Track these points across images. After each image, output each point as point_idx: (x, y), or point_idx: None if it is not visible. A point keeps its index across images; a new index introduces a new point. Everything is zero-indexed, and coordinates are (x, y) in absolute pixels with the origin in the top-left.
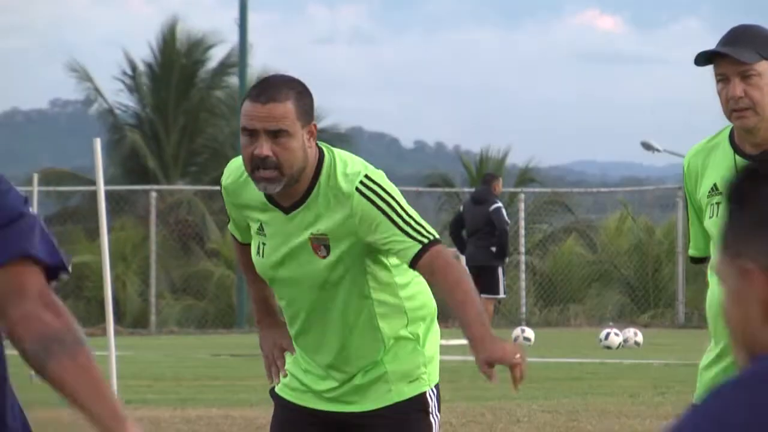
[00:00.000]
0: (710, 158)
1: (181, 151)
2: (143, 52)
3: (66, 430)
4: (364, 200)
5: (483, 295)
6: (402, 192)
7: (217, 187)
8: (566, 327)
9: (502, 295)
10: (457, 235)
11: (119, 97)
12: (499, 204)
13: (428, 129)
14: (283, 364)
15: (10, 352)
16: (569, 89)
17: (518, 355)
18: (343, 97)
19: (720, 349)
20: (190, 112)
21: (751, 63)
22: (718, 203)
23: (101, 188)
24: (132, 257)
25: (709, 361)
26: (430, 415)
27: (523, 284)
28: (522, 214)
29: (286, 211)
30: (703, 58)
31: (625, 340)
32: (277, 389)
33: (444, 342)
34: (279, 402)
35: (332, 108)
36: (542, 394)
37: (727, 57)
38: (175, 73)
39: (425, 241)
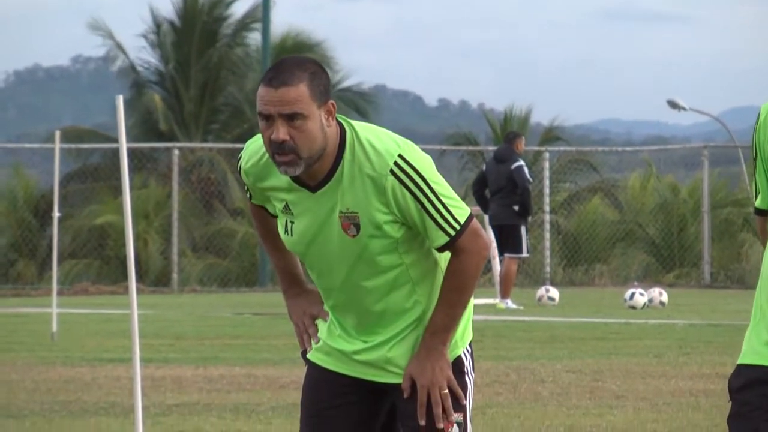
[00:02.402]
0: None
1: (202, 109)
2: (166, 8)
3: (86, 388)
4: (398, 183)
5: (507, 254)
6: (425, 151)
7: (240, 145)
8: (591, 287)
9: (525, 254)
10: (480, 194)
11: (141, 54)
12: (521, 162)
13: (452, 87)
14: (315, 331)
15: (32, 310)
16: (595, 47)
17: (444, 391)
18: (367, 55)
19: None
20: (211, 69)
21: None
22: None
23: (123, 146)
24: (154, 215)
25: (755, 322)
26: (465, 375)
27: (547, 243)
28: (546, 173)
29: (313, 189)
30: None
31: (650, 300)
32: (309, 355)
33: None
34: (311, 367)
35: (356, 66)
36: (566, 354)
37: None
38: (197, 29)
39: (452, 233)
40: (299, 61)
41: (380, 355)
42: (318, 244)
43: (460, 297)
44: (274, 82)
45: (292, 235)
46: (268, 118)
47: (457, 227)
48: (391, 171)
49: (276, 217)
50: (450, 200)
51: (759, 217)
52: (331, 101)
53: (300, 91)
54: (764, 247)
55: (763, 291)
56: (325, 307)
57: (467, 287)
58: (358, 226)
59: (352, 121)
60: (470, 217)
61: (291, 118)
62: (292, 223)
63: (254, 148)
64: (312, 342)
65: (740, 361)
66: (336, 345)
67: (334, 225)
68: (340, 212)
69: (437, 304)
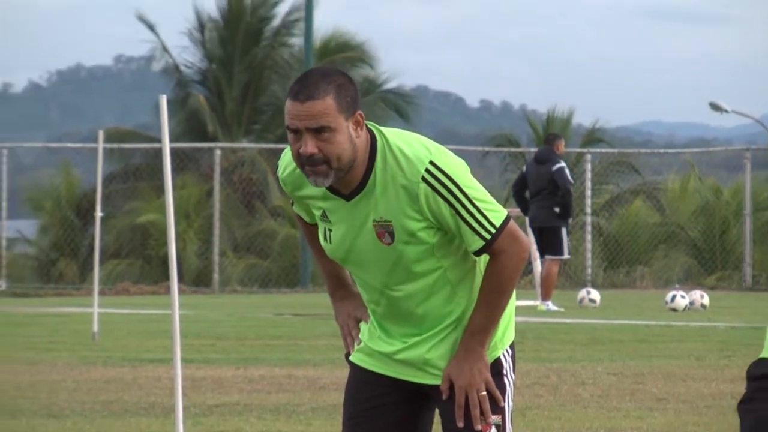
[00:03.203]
0: None
1: (244, 109)
2: (211, 7)
3: (127, 388)
4: (431, 190)
5: (548, 256)
6: (467, 153)
7: (282, 145)
8: (632, 289)
9: (566, 256)
10: (520, 196)
11: (184, 54)
12: (563, 164)
13: (494, 88)
14: (358, 333)
15: (73, 309)
16: (637, 48)
17: (482, 393)
18: (410, 55)
19: None
20: (254, 69)
21: None
22: None
23: (167, 146)
24: (195, 216)
25: None
26: (505, 377)
27: (589, 245)
28: (588, 175)
29: (347, 198)
30: None
31: (692, 303)
32: (351, 357)
33: None
34: (354, 368)
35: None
36: (607, 356)
37: None
38: (241, 29)
39: (488, 237)
40: (325, 72)
41: (419, 356)
42: (356, 252)
43: (499, 299)
44: (300, 96)
45: (330, 242)
46: (296, 131)
47: (493, 231)
48: (423, 178)
49: (314, 225)
50: (484, 204)
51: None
52: (359, 112)
53: (327, 104)
54: None
55: None
56: (368, 310)
57: (506, 289)
58: (392, 234)
59: (383, 128)
60: (507, 220)
61: (319, 131)
62: (330, 230)
63: (289, 159)
64: (355, 344)
65: (763, 354)
66: (376, 347)
67: (369, 233)
68: (374, 221)
69: (476, 306)
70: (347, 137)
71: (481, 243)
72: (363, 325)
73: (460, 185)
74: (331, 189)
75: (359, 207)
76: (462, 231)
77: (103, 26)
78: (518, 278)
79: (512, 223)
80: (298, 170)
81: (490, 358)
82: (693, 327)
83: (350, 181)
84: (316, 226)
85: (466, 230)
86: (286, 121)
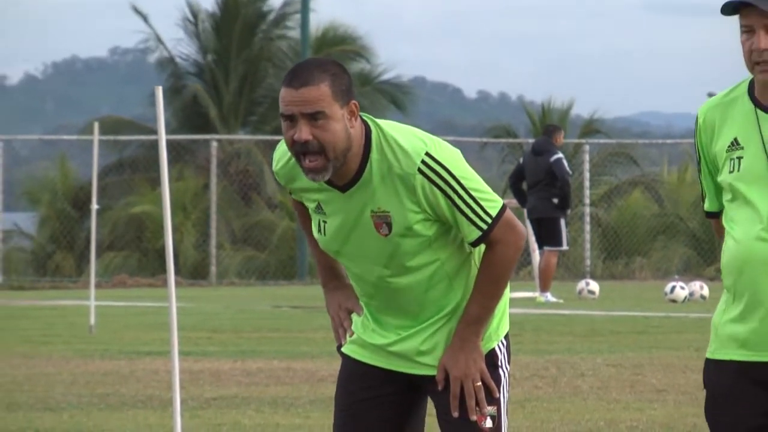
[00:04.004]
0: (729, 112)
1: (241, 101)
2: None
3: (124, 381)
4: (427, 182)
5: (546, 248)
6: (465, 144)
7: (279, 137)
8: (631, 280)
9: (565, 247)
10: (517, 187)
11: (179, 46)
12: (561, 155)
13: (492, 79)
14: (350, 324)
15: (70, 302)
16: (634, 39)
17: (477, 384)
18: (407, 46)
19: (741, 305)
20: (251, 61)
21: None
22: (739, 158)
23: (163, 137)
24: (192, 208)
25: (728, 318)
26: (499, 369)
27: (587, 236)
28: (586, 166)
29: (342, 189)
30: (729, 8)
31: (691, 294)
32: (343, 348)
33: None
34: (346, 360)
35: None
36: (607, 347)
37: (754, 8)
38: (238, 21)
39: (484, 227)
40: (320, 62)
41: (414, 347)
42: (352, 244)
43: (496, 289)
44: (294, 83)
45: (325, 234)
46: (291, 118)
47: (489, 221)
48: (420, 170)
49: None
50: (481, 194)
51: (712, 220)
52: (354, 101)
53: (321, 91)
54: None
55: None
56: (360, 302)
57: (502, 279)
58: (390, 225)
59: (378, 120)
60: (503, 209)
61: (314, 117)
62: (325, 222)
63: (283, 150)
64: (347, 336)
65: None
66: (370, 339)
67: (367, 224)
68: (372, 212)
69: (472, 296)
70: (342, 126)
71: (477, 233)
72: (356, 317)
73: (456, 176)
74: (326, 181)
75: (355, 198)
76: (459, 222)
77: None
78: (514, 268)
79: (508, 213)
80: (292, 162)
81: (484, 350)
82: (692, 318)
83: (345, 173)
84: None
85: (463, 221)
86: (281, 109)
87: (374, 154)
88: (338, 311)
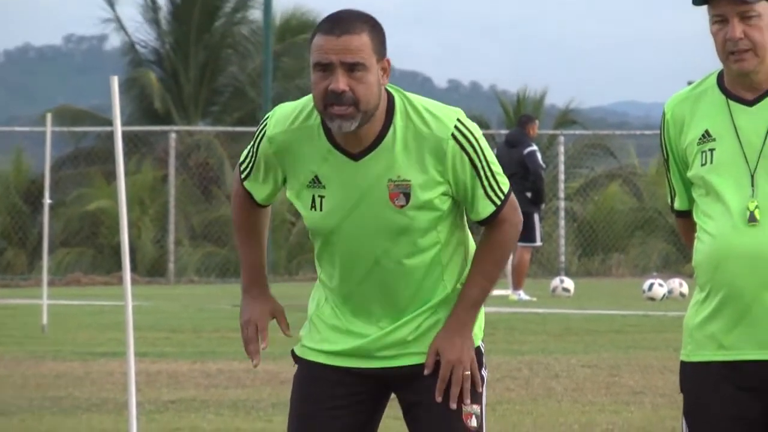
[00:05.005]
0: (698, 105)
1: (201, 90)
2: None
3: (78, 383)
4: (459, 148)
5: (519, 244)
6: None
7: (241, 128)
8: (608, 277)
9: (538, 243)
10: None
11: (138, 32)
12: (534, 147)
13: (462, 67)
14: (262, 339)
15: (21, 301)
16: (611, 26)
17: (467, 372)
18: None
19: (717, 303)
20: (211, 48)
21: (752, 3)
22: (711, 150)
23: (118, 129)
24: (149, 202)
25: (703, 317)
26: (483, 368)
27: (562, 232)
28: (561, 158)
29: (356, 157)
30: None
31: (670, 291)
32: (302, 353)
33: None
34: (306, 365)
35: None
36: (582, 348)
37: None
38: (197, 5)
39: (498, 203)
40: (358, 13)
41: (399, 339)
42: (354, 219)
43: (497, 271)
44: (336, 30)
45: (321, 210)
46: (327, 67)
47: (502, 197)
48: (453, 135)
49: (262, 206)
50: (497, 168)
51: (680, 219)
52: (387, 58)
53: (363, 41)
54: (690, 248)
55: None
56: (333, 299)
57: (503, 261)
58: (408, 196)
59: (400, 89)
60: (510, 189)
61: (352, 68)
62: (322, 197)
63: (285, 112)
64: (257, 355)
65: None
66: (342, 338)
67: (381, 195)
68: (390, 180)
69: (472, 279)
70: (376, 80)
71: (492, 208)
72: (316, 320)
73: (483, 147)
74: (338, 147)
75: (369, 166)
76: (475, 195)
77: (51, 3)
78: (507, 256)
79: (513, 194)
80: (297, 124)
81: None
82: (671, 317)
83: (363, 138)
84: (255, 209)
85: (481, 194)
86: (316, 57)
87: (398, 121)
88: (248, 324)
